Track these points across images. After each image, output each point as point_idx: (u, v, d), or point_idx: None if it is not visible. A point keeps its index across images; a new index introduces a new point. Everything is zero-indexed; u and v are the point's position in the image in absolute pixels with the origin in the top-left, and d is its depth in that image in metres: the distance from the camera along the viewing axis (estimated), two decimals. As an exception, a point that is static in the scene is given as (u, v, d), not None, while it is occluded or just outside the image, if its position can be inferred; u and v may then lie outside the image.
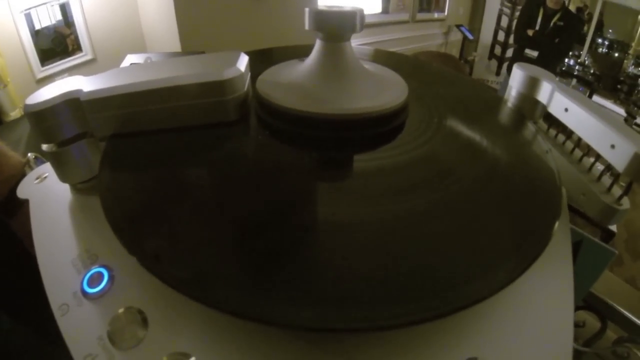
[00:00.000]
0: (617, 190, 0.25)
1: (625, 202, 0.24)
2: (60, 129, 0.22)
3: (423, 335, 0.17)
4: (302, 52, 0.32)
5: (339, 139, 0.25)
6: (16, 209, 0.35)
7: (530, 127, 0.29)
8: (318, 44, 0.26)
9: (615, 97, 2.58)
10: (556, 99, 0.28)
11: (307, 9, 0.24)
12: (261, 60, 0.28)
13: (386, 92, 0.26)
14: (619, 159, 0.23)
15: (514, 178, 0.24)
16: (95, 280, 0.20)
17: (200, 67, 0.25)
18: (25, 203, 0.26)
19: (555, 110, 0.28)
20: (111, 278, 0.20)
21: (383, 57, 0.41)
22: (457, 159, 0.25)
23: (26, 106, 0.22)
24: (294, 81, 0.27)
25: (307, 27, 0.25)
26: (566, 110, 0.27)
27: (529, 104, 0.31)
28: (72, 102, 0.22)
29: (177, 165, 0.24)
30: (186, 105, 0.24)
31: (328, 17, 0.24)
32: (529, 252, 0.18)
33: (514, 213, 0.21)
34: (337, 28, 0.25)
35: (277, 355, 0.17)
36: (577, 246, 0.28)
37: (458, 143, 0.27)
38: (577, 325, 0.37)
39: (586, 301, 0.36)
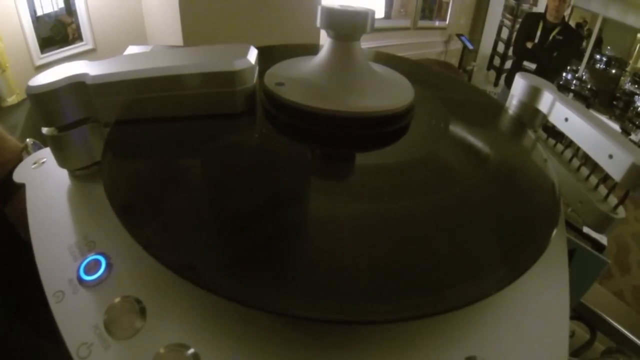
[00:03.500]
0: (613, 200, 0.25)
1: (621, 211, 0.24)
2: (63, 112, 0.22)
3: (423, 333, 0.17)
4: (305, 51, 0.32)
5: (344, 136, 0.25)
6: (11, 194, 0.34)
7: (530, 135, 0.30)
8: (328, 42, 0.27)
9: (611, 113, 2.63)
10: (557, 108, 0.29)
11: (319, 7, 0.25)
12: (264, 56, 0.28)
13: (393, 93, 0.27)
14: (617, 169, 0.23)
15: (514, 184, 0.24)
16: (92, 267, 0.19)
17: (210, 57, 0.25)
18: (19, 190, 0.26)
19: (556, 119, 0.29)
20: (109, 266, 0.19)
21: (390, 60, 0.42)
22: (460, 163, 0.26)
23: (29, 87, 0.21)
24: (303, 77, 0.27)
25: (318, 24, 0.25)
26: (566, 120, 0.28)
27: (529, 112, 0.31)
28: (78, 86, 0.22)
29: (182, 154, 0.24)
30: (195, 94, 0.24)
31: (340, 16, 0.25)
32: (528, 256, 0.18)
33: (515, 217, 0.21)
34: (348, 27, 0.25)
35: (275, 346, 0.16)
36: (571, 255, 0.29)
37: (460, 148, 0.27)
38: (566, 335, 0.37)
39: (576, 311, 0.36)
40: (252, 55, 0.26)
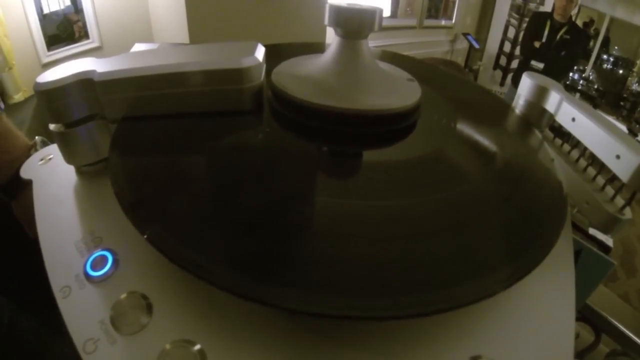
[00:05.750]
0: (620, 201, 0.25)
1: (628, 212, 0.24)
2: (70, 109, 0.22)
3: (428, 331, 0.17)
4: (312, 49, 0.32)
5: (352, 133, 0.25)
6: (19, 191, 0.35)
7: (537, 135, 0.29)
8: (336, 40, 0.26)
9: (618, 113, 2.60)
10: (564, 108, 0.28)
11: (327, 5, 0.25)
12: (271, 55, 0.28)
13: (400, 91, 0.27)
14: (624, 169, 0.23)
15: (520, 184, 0.24)
16: (98, 263, 0.19)
17: (217, 55, 0.25)
18: (27, 186, 0.26)
19: (563, 119, 0.28)
20: (115, 262, 0.19)
21: (396, 59, 0.42)
22: (466, 162, 0.26)
23: (37, 84, 0.21)
24: (311, 75, 0.27)
25: (326, 22, 0.25)
26: (573, 120, 0.27)
27: (536, 112, 0.31)
28: (85, 83, 0.22)
29: (189, 150, 0.24)
30: (202, 91, 0.24)
31: (348, 14, 0.25)
32: (533, 255, 0.18)
33: (521, 217, 0.21)
34: (356, 25, 0.25)
35: (282, 343, 0.17)
36: (576, 256, 0.28)
37: (466, 148, 0.27)
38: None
39: (581, 313, 0.36)
40: (260, 52, 0.26)
